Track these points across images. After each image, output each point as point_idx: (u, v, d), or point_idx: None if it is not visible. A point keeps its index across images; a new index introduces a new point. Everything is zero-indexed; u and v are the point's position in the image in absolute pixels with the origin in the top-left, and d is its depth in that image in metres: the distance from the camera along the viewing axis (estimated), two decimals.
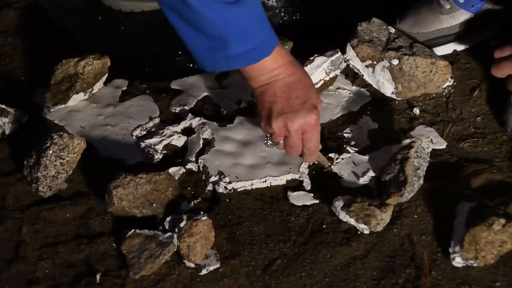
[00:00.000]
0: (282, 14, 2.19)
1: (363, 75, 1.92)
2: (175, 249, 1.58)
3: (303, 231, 1.64)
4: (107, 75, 1.97)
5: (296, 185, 1.74)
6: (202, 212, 1.62)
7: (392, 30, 1.95)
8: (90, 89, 1.94)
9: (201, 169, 1.77)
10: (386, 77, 1.88)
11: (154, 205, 1.66)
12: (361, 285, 1.54)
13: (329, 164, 1.77)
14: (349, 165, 1.77)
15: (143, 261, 1.56)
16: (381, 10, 2.05)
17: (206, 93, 1.97)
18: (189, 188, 1.74)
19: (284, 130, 1.68)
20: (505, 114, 1.81)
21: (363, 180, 1.74)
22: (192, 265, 1.58)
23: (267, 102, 1.68)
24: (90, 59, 1.92)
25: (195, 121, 1.88)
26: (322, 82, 1.92)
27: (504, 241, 1.53)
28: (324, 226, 1.65)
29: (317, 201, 1.69)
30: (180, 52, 2.11)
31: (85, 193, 1.73)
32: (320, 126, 1.71)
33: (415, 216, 1.65)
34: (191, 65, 2.08)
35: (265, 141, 1.78)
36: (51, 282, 1.57)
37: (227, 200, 1.71)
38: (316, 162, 1.77)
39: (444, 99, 1.90)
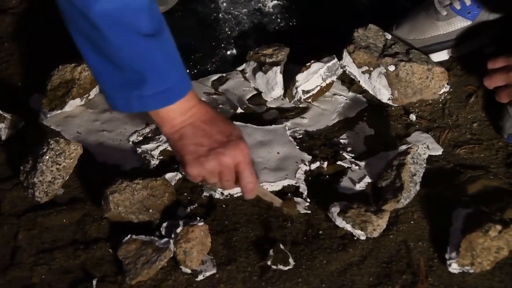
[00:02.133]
0: (279, 20, 2.19)
1: (359, 81, 1.92)
2: (172, 255, 1.58)
3: (300, 237, 1.64)
4: None
5: (293, 191, 1.73)
6: (198, 218, 1.62)
7: (389, 36, 1.96)
8: (87, 95, 1.94)
9: None
10: (382, 83, 1.88)
11: (151, 210, 1.66)
12: None
13: (280, 201, 1.69)
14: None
15: (140, 267, 1.56)
16: (378, 17, 2.05)
17: (202, 99, 1.97)
18: (185, 194, 1.74)
19: (218, 167, 1.54)
20: (501, 120, 1.81)
21: (360, 186, 1.74)
22: (189, 271, 1.58)
23: (189, 145, 1.53)
24: (87, 65, 1.91)
25: None
26: (318, 88, 1.92)
27: (501, 247, 1.53)
28: (320, 232, 1.65)
29: (313, 207, 1.69)
30: None
31: (81, 198, 1.73)
32: (252, 160, 1.59)
33: (412, 222, 1.65)
34: (187, 70, 2.08)
35: (204, 188, 1.73)
36: None
37: (224, 205, 1.71)
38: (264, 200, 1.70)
39: (440, 105, 1.91)
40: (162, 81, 1.48)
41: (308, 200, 1.71)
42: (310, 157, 1.80)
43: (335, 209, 1.65)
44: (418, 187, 1.69)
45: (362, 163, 1.78)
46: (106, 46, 1.44)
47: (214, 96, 1.98)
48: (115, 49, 1.44)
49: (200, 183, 1.68)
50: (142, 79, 1.46)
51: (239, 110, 1.94)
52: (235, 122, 1.87)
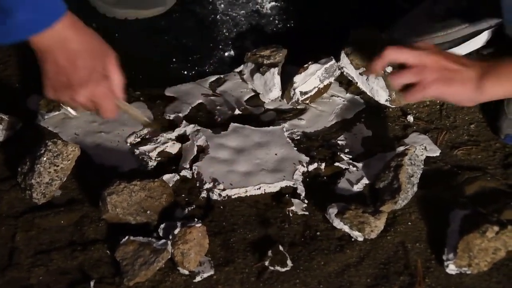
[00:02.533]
0: (276, 22, 2.20)
1: (357, 83, 1.92)
2: (169, 256, 1.58)
3: (297, 238, 1.64)
4: None
5: (290, 192, 1.74)
6: (196, 219, 1.62)
7: (387, 37, 1.96)
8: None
9: (195, 176, 1.77)
10: (380, 84, 1.88)
11: (148, 212, 1.66)
12: None
13: (145, 119, 1.77)
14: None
15: (137, 268, 1.56)
16: (376, 18, 2.06)
17: (200, 100, 1.97)
18: (183, 195, 1.74)
19: (71, 101, 1.59)
20: (498, 121, 1.81)
21: (357, 188, 1.74)
22: (186, 272, 1.58)
23: (50, 72, 1.55)
24: None
25: (190, 128, 1.88)
26: (316, 89, 1.92)
27: (498, 248, 1.53)
28: (318, 233, 1.65)
29: (311, 208, 1.70)
30: (174, 59, 2.12)
31: (79, 200, 1.73)
32: (117, 91, 1.61)
33: (409, 223, 1.65)
34: (185, 72, 2.08)
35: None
36: None
37: (221, 207, 1.71)
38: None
39: (438, 106, 1.91)
40: (29, 10, 1.44)
41: (306, 201, 1.71)
42: (307, 159, 1.80)
43: (332, 210, 1.65)
44: (415, 188, 1.69)
45: (360, 165, 1.78)
46: None
47: (211, 97, 1.98)
48: None
49: None
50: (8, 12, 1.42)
51: (237, 112, 1.94)
52: (232, 124, 1.87)
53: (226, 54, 2.14)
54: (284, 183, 1.75)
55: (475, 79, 1.56)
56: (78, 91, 1.56)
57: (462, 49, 2.00)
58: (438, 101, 1.91)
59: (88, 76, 1.56)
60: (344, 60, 1.91)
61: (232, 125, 1.88)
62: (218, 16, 2.22)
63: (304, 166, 1.78)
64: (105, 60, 1.59)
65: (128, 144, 1.86)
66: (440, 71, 1.57)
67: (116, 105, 1.63)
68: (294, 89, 1.91)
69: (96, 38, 1.59)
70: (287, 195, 1.73)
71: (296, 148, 1.82)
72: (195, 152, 1.83)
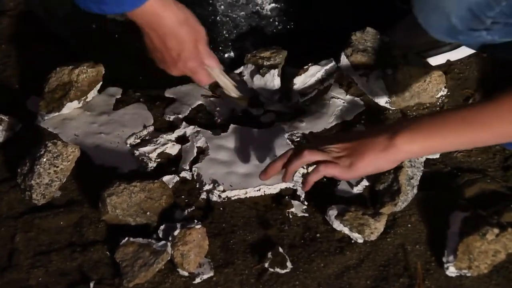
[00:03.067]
0: (277, 23, 2.19)
1: (357, 84, 1.92)
2: (169, 258, 1.58)
3: (297, 240, 1.64)
4: (101, 83, 1.97)
5: (290, 194, 1.73)
6: (196, 221, 1.62)
7: (387, 39, 1.96)
8: (84, 97, 1.94)
9: (195, 178, 1.77)
10: (380, 86, 1.88)
11: (148, 213, 1.66)
12: None
13: (237, 92, 1.84)
14: None
15: (137, 270, 1.56)
16: (376, 20, 2.05)
17: (200, 102, 1.97)
18: (183, 197, 1.74)
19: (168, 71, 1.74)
20: None
21: (357, 189, 1.74)
22: (186, 274, 1.58)
23: (148, 47, 1.70)
24: (84, 67, 1.92)
25: (189, 130, 1.88)
26: (316, 91, 1.92)
27: (498, 250, 1.53)
28: (318, 235, 1.65)
29: (311, 210, 1.69)
30: None
31: (78, 201, 1.73)
32: (208, 61, 1.74)
33: (409, 225, 1.65)
34: None
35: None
36: None
37: (221, 208, 1.71)
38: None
39: (437, 108, 1.91)
40: None
41: (306, 203, 1.71)
42: None
43: (332, 212, 1.65)
44: (415, 191, 1.69)
45: None
46: None
47: (211, 98, 1.98)
48: None
49: None
50: None
51: (237, 113, 1.94)
52: (232, 125, 1.87)
53: (226, 55, 2.14)
54: (284, 185, 1.75)
55: (385, 141, 1.47)
56: (171, 69, 1.71)
57: (462, 51, 2.00)
58: (438, 103, 1.91)
59: (177, 55, 1.68)
60: (344, 62, 1.91)
61: (232, 126, 1.88)
62: (218, 18, 2.21)
63: (304, 168, 1.78)
64: (194, 35, 1.69)
65: (128, 145, 1.86)
66: (348, 154, 1.51)
67: (209, 73, 1.76)
68: (294, 91, 1.91)
69: (185, 17, 1.68)
70: (287, 197, 1.73)
71: None
72: (195, 154, 1.83)
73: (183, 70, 1.71)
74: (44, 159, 1.69)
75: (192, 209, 1.71)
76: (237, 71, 2.03)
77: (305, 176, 1.63)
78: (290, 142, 1.84)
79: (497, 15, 1.63)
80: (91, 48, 2.12)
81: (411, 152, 1.47)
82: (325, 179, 1.76)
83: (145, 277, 1.56)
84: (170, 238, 1.59)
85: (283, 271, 1.58)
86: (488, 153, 1.80)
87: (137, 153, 1.83)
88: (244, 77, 2.00)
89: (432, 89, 1.90)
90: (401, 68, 1.87)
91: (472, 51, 2.00)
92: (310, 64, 1.92)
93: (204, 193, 1.73)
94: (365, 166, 1.49)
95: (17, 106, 1.96)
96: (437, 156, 1.79)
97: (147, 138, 1.88)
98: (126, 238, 1.60)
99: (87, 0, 1.57)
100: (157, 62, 1.73)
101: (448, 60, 2.00)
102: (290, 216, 1.69)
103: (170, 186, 1.74)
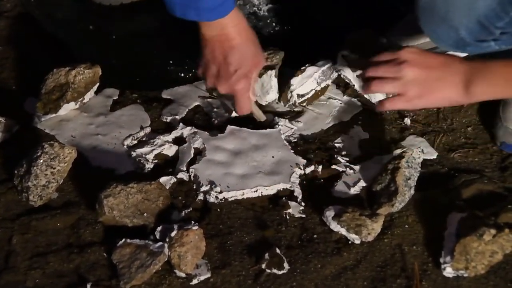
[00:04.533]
0: (274, 24, 2.20)
1: (354, 86, 1.92)
2: (166, 259, 1.57)
3: (294, 241, 1.64)
4: (98, 84, 1.96)
5: (287, 195, 1.73)
6: (193, 222, 1.62)
7: (384, 40, 1.96)
8: (81, 99, 1.94)
9: (192, 179, 1.77)
10: None
11: (145, 214, 1.66)
12: None
13: (265, 118, 1.89)
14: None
15: (134, 271, 1.55)
16: (373, 21, 2.05)
17: (197, 103, 1.97)
18: (180, 198, 1.74)
19: (214, 86, 1.80)
20: (494, 128, 1.82)
21: (354, 190, 1.74)
22: (183, 275, 1.58)
23: (206, 57, 1.76)
24: (81, 69, 1.91)
25: (186, 131, 1.88)
26: (313, 92, 1.92)
27: (495, 251, 1.53)
28: (315, 236, 1.65)
29: (308, 211, 1.69)
30: (171, 62, 2.11)
31: (75, 202, 1.73)
32: (253, 88, 1.81)
33: (406, 226, 1.65)
34: (182, 74, 2.08)
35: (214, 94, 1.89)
36: None
37: (218, 209, 1.71)
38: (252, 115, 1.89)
39: (435, 109, 1.91)
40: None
41: (303, 204, 1.71)
42: (305, 161, 1.80)
43: (329, 213, 1.65)
44: (412, 191, 1.69)
45: (357, 167, 1.78)
46: None
47: (208, 100, 1.98)
48: None
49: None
50: None
51: (234, 114, 1.94)
52: (229, 126, 1.87)
53: None
54: (281, 186, 1.75)
55: (462, 83, 1.56)
56: (221, 83, 1.77)
57: (459, 52, 2.00)
58: None
59: (234, 71, 1.75)
60: (341, 63, 1.91)
61: (229, 127, 1.88)
62: None
63: (301, 169, 1.78)
64: (253, 62, 1.77)
65: (125, 147, 1.86)
66: (422, 83, 1.58)
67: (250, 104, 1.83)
68: (291, 92, 1.91)
69: (253, 41, 1.78)
70: (284, 198, 1.73)
71: (293, 151, 1.82)
72: (192, 155, 1.82)
73: (233, 87, 1.77)
74: (41, 161, 1.69)
75: (189, 210, 1.71)
76: None
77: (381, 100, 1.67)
78: (287, 143, 1.84)
79: (506, 25, 1.62)
80: (88, 50, 2.12)
81: (484, 97, 1.60)
82: (322, 180, 1.77)
83: (142, 279, 1.55)
84: (167, 239, 1.58)
85: (280, 272, 1.58)
86: (485, 154, 1.80)
87: (134, 154, 1.83)
88: None
89: None
90: None
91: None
92: (307, 65, 1.91)
93: (201, 194, 1.73)
94: (436, 100, 1.60)
95: (14, 107, 1.96)
96: (434, 156, 1.79)
97: (144, 139, 1.88)
98: (123, 240, 1.60)
99: (185, 8, 1.68)
100: (207, 76, 1.78)
101: None
102: (287, 217, 1.69)
103: (167, 187, 1.74)
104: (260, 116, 1.89)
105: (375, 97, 1.89)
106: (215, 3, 1.66)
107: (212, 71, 1.77)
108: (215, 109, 1.96)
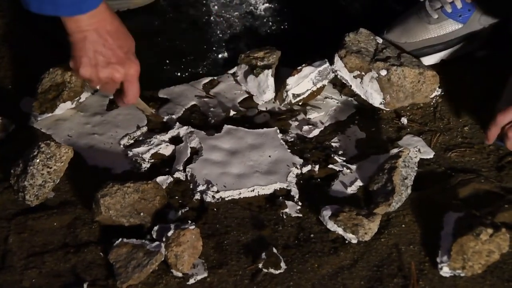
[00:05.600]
0: (270, 23, 2.19)
1: (351, 86, 1.92)
2: (163, 258, 1.57)
3: (291, 241, 1.64)
4: None
5: (284, 195, 1.73)
6: (189, 221, 1.62)
7: (380, 40, 1.96)
8: (78, 98, 1.93)
9: (188, 178, 1.77)
10: (374, 87, 1.88)
11: (142, 214, 1.66)
12: None
13: (152, 111, 1.90)
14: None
15: (131, 270, 1.55)
16: (369, 20, 2.05)
17: (193, 102, 1.97)
18: (176, 197, 1.73)
19: (108, 79, 1.72)
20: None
21: (351, 190, 1.74)
22: (180, 275, 1.57)
23: (89, 50, 1.68)
24: None
25: (183, 130, 1.88)
26: (309, 92, 1.92)
27: (492, 251, 1.53)
28: (312, 235, 1.65)
29: (305, 211, 1.69)
30: (168, 61, 2.11)
31: (72, 202, 1.72)
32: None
33: (403, 225, 1.65)
34: (178, 73, 2.08)
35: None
36: None
37: (215, 209, 1.71)
38: (138, 108, 1.89)
39: (431, 109, 1.91)
40: None
41: (300, 203, 1.71)
42: (301, 161, 1.80)
43: (326, 213, 1.64)
44: (409, 191, 1.69)
45: (354, 167, 1.78)
46: None
47: (205, 99, 1.98)
48: None
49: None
50: None
51: (231, 113, 1.94)
52: (226, 126, 1.87)
53: (220, 55, 2.14)
54: (277, 185, 1.75)
55: None
56: (116, 68, 1.70)
57: (456, 51, 2.00)
58: (432, 103, 1.91)
59: (125, 56, 1.71)
60: (338, 63, 1.91)
61: (226, 127, 1.88)
62: (211, 18, 2.21)
63: (297, 168, 1.78)
64: (132, 41, 1.74)
65: (122, 146, 1.86)
66: None
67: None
68: (286, 91, 1.91)
69: (121, 23, 1.73)
70: (280, 197, 1.73)
71: (289, 150, 1.82)
72: (189, 154, 1.82)
73: (128, 71, 1.72)
74: (37, 160, 1.69)
75: (185, 209, 1.71)
76: (231, 71, 2.03)
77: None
78: (284, 143, 1.84)
79: None
80: None
81: None
82: (318, 180, 1.77)
83: (138, 278, 1.55)
84: (163, 239, 1.58)
85: (277, 272, 1.58)
86: (482, 153, 1.80)
87: (130, 153, 1.83)
88: (238, 78, 2.00)
89: (426, 89, 1.90)
90: (395, 69, 1.87)
91: (466, 51, 2.00)
92: (303, 65, 1.91)
93: (198, 193, 1.73)
94: None
95: (10, 107, 1.96)
96: (431, 156, 1.79)
97: (140, 138, 1.88)
98: (120, 239, 1.60)
99: (42, 2, 1.60)
100: (81, 66, 1.70)
101: (442, 60, 2.00)
102: (284, 217, 1.69)
103: (164, 187, 1.74)
104: (146, 109, 1.88)
105: (373, 98, 1.90)
106: None
107: (101, 61, 1.69)
108: (211, 109, 1.96)
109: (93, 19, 1.65)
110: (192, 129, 1.88)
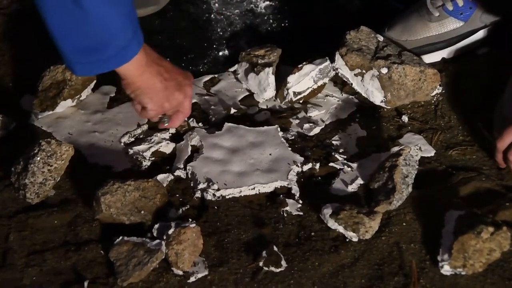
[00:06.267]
0: (271, 21, 2.19)
1: (352, 84, 1.92)
2: (163, 257, 1.57)
3: (292, 239, 1.64)
4: (95, 81, 1.96)
5: (285, 193, 1.73)
6: (190, 219, 1.62)
7: (381, 38, 1.95)
8: (78, 96, 1.93)
9: (189, 176, 1.77)
10: (375, 85, 1.88)
11: (142, 212, 1.66)
12: None
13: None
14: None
15: (131, 269, 1.55)
16: (370, 18, 2.05)
17: (194, 100, 1.97)
18: (177, 195, 1.73)
19: (177, 103, 1.75)
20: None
21: (352, 188, 1.74)
22: (180, 273, 1.57)
23: (161, 82, 1.70)
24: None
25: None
26: (310, 90, 1.92)
27: (493, 249, 1.53)
28: (312, 233, 1.64)
29: (305, 209, 1.69)
30: (168, 59, 2.11)
31: (72, 200, 1.72)
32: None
33: (404, 224, 1.65)
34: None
35: (163, 120, 1.80)
36: None
37: (216, 207, 1.70)
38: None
39: (432, 106, 1.91)
40: (119, 43, 1.57)
41: (300, 201, 1.71)
42: (302, 159, 1.80)
43: (327, 211, 1.64)
44: (410, 189, 1.69)
45: (355, 165, 1.78)
46: (79, 15, 1.51)
47: (206, 97, 1.98)
48: (89, 17, 1.51)
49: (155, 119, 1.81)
50: (105, 44, 1.55)
51: (231, 111, 1.93)
52: (227, 123, 1.87)
53: (220, 53, 2.14)
54: (278, 184, 1.74)
55: None
56: (185, 86, 1.75)
57: (458, 49, 2.00)
58: (433, 101, 1.91)
59: (179, 72, 1.75)
60: (339, 61, 1.91)
61: (226, 125, 1.88)
62: (212, 16, 2.21)
63: (298, 166, 1.78)
64: (178, 68, 1.77)
65: (122, 144, 1.85)
66: None
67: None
68: (287, 89, 1.91)
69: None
70: (281, 196, 1.73)
71: (290, 148, 1.82)
72: (189, 152, 1.82)
73: (183, 98, 1.75)
74: (38, 158, 1.69)
75: (186, 208, 1.70)
76: (231, 69, 2.03)
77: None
78: (284, 141, 1.83)
79: None
80: None
81: None
82: (319, 178, 1.76)
83: (139, 276, 1.55)
84: (164, 237, 1.58)
85: (277, 270, 1.58)
86: (483, 151, 1.79)
87: (131, 151, 1.83)
88: (238, 76, 1.99)
89: (427, 88, 1.90)
90: (396, 67, 1.87)
91: (467, 49, 1.99)
92: (304, 63, 1.91)
93: (199, 191, 1.73)
94: None
95: (11, 104, 1.96)
96: (432, 154, 1.79)
97: (141, 136, 1.88)
98: (120, 237, 1.60)
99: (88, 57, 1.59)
100: (160, 105, 1.73)
101: (443, 58, 2.00)
102: (285, 215, 1.69)
103: (165, 185, 1.73)
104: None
105: (374, 96, 1.89)
106: (117, 48, 1.58)
107: (165, 95, 1.72)
108: (212, 106, 1.95)
109: (144, 55, 1.65)
110: (193, 127, 1.87)
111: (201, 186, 1.73)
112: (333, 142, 1.85)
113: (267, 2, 2.22)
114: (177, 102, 1.74)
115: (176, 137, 1.87)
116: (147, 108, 1.73)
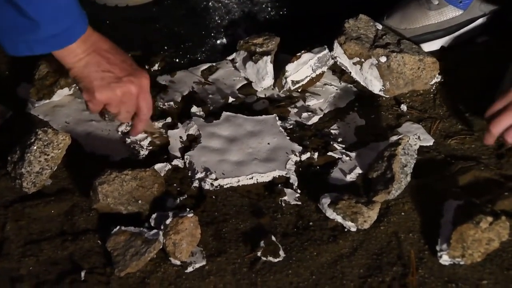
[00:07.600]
0: (269, 9, 2.18)
1: (350, 73, 1.91)
2: (161, 246, 1.57)
3: (290, 229, 1.63)
4: None
5: (283, 182, 1.73)
6: (188, 209, 1.61)
7: (380, 26, 1.95)
8: (75, 84, 1.92)
9: (187, 166, 1.76)
10: (374, 74, 1.87)
11: (140, 201, 1.65)
12: (348, 283, 1.53)
13: (162, 131, 1.83)
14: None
15: (129, 258, 1.55)
16: (369, 6, 2.04)
17: (192, 89, 1.96)
18: (175, 185, 1.73)
19: (125, 94, 1.69)
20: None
21: (350, 177, 1.73)
22: (178, 263, 1.57)
23: (97, 72, 1.66)
24: None
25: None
26: (308, 78, 1.91)
27: (491, 239, 1.53)
28: (311, 223, 1.64)
29: (304, 198, 1.69)
30: (166, 47, 2.10)
31: (69, 189, 1.72)
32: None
33: (402, 213, 1.64)
34: (177, 60, 2.07)
35: (106, 117, 1.79)
36: (34, 279, 1.55)
37: (213, 197, 1.70)
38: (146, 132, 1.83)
39: (431, 95, 1.90)
40: (58, 25, 1.57)
41: (299, 191, 1.70)
42: (300, 148, 1.79)
43: (325, 201, 1.64)
44: (409, 178, 1.68)
45: (353, 154, 1.78)
46: None
47: (203, 85, 1.97)
48: None
49: (98, 114, 1.78)
50: (36, 26, 1.55)
51: (229, 100, 1.93)
52: (225, 112, 1.86)
53: (218, 42, 2.13)
54: (276, 173, 1.74)
55: None
56: (130, 80, 1.68)
57: (457, 37, 1.99)
58: (431, 90, 1.91)
59: (131, 68, 1.70)
60: (338, 50, 1.90)
61: (224, 114, 1.87)
62: (210, 4, 2.20)
63: (296, 156, 1.77)
64: (130, 58, 1.73)
65: (120, 133, 1.85)
66: None
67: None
68: (285, 78, 1.90)
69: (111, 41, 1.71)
70: (279, 185, 1.72)
71: (288, 138, 1.82)
72: (187, 141, 1.82)
73: (141, 82, 1.71)
74: (35, 147, 1.68)
75: (184, 197, 1.70)
76: (230, 57, 2.02)
77: None
78: (283, 130, 1.83)
79: None
80: None
81: None
82: (317, 167, 1.76)
83: (136, 266, 1.55)
84: (162, 227, 1.58)
85: (275, 260, 1.57)
86: (481, 141, 1.79)
87: (128, 141, 1.82)
88: (237, 64, 1.99)
89: (426, 76, 1.89)
90: (395, 56, 1.86)
91: (466, 37, 1.99)
92: (302, 52, 1.90)
93: (196, 181, 1.72)
94: None
95: (7, 93, 1.95)
96: (431, 143, 1.79)
97: None
98: (118, 227, 1.60)
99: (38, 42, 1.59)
100: (107, 87, 1.68)
101: (442, 47, 1.99)
102: (283, 205, 1.68)
103: (162, 174, 1.73)
104: (156, 131, 1.84)
105: (373, 85, 1.89)
106: (57, 29, 1.57)
107: (111, 77, 1.68)
108: (210, 95, 1.95)
109: (87, 44, 1.64)
110: (191, 115, 1.87)
111: (199, 175, 1.72)
112: (332, 131, 1.84)
113: None
114: (116, 98, 1.70)
115: (174, 126, 1.86)
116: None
